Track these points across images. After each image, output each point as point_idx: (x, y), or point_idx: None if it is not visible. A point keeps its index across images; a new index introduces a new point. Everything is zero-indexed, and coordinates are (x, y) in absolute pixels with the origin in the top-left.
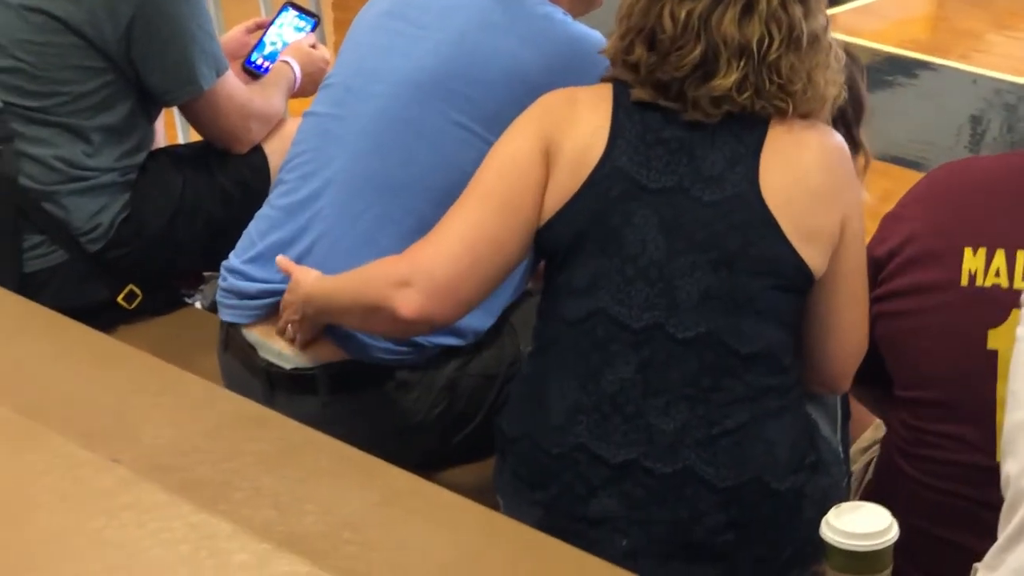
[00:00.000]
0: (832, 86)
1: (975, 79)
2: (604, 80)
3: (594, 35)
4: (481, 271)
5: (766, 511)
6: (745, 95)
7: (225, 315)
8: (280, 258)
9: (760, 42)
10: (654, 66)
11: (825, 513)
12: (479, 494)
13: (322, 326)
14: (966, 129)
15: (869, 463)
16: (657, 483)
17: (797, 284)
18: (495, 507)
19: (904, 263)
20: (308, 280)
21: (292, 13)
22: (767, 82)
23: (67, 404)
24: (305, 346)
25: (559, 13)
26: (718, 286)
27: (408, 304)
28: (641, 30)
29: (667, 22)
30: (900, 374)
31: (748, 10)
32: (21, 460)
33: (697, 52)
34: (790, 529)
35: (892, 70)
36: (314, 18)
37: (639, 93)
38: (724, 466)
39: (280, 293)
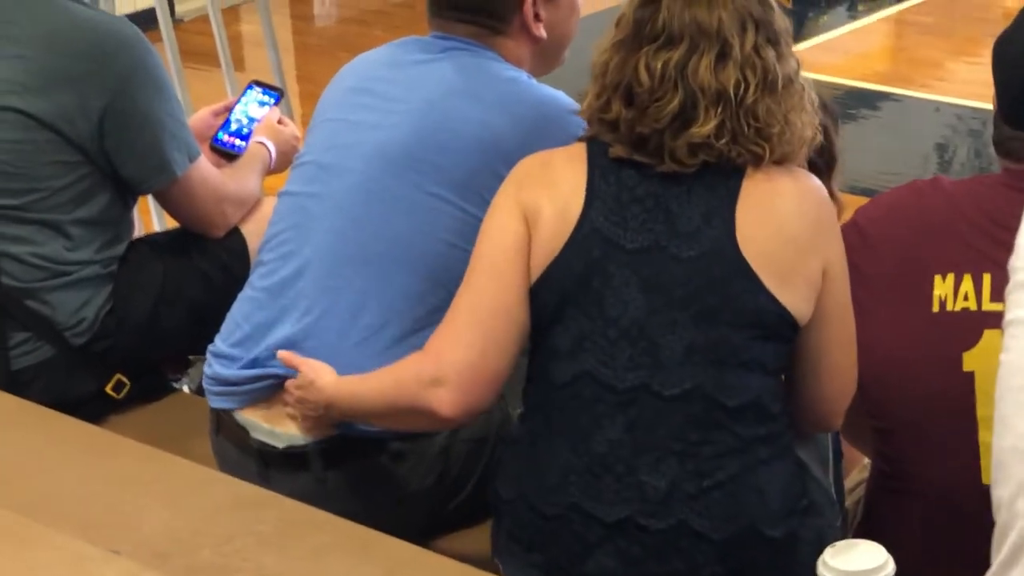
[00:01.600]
0: (808, 128)
1: (938, 107)
2: (580, 140)
3: (560, 96)
4: (498, 346)
5: (762, 558)
6: (723, 141)
7: (214, 401)
8: (283, 353)
9: (736, 87)
10: (633, 121)
11: (820, 555)
12: (478, 560)
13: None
14: (933, 157)
15: (858, 501)
16: (652, 539)
17: (781, 333)
18: (495, 572)
19: (875, 288)
20: (326, 382)
21: (257, 90)
22: (745, 127)
23: (64, 499)
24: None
25: (524, 76)
26: (701, 341)
27: (445, 403)
28: (617, 86)
29: (643, 75)
30: (875, 404)
31: (723, 57)
32: (25, 559)
33: (676, 102)
34: (787, 574)
35: (855, 103)
36: (277, 92)
37: (616, 150)
38: (717, 518)
39: (269, 377)
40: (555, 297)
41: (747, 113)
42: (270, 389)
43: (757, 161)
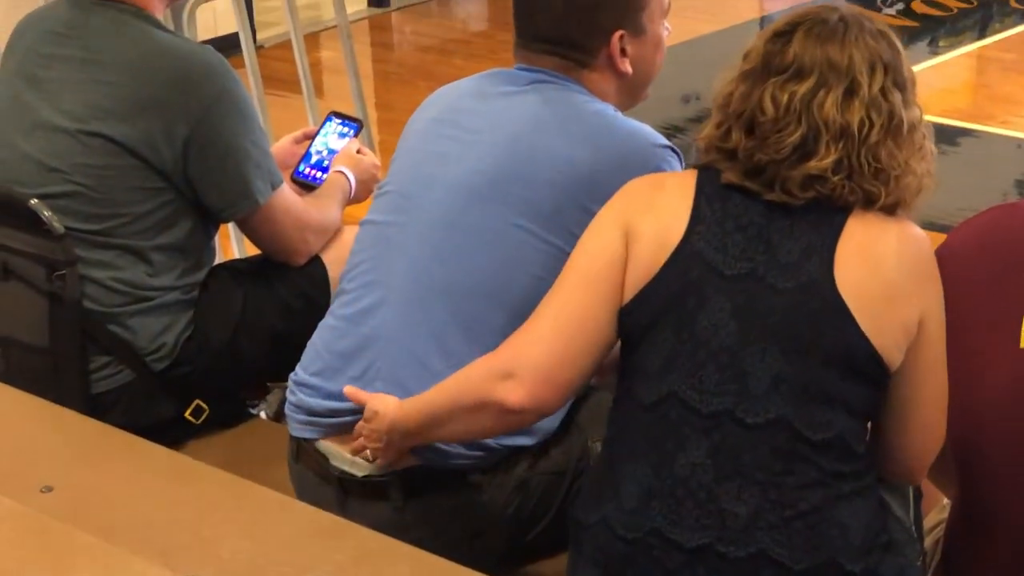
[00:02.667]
0: (925, 177)
1: (1019, 144)
2: (693, 166)
3: (647, 129)
4: (576, 354)
5: None
6: (839, 176)
7: (295, 430)
8: (348, 388)
9: (861, 126)
10: (753, 150)
11: None
12: None
13: (406, 449)
14: (1012, 194)
15: (937, 541)
16: (731, 567)
17: (871, 375)
18: None
19: (961, 324)
20: (389, 407)
21: (336, 121)
22: (865, 166)
23: (144, 524)
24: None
25: (610, 110)
26: (789, 373)
27: (515, 395)
28: (740, 115)
29: (768, 106)
30: (961, 445)
31: (849, 95)
32: None
33: (797, 135)
34: None
35: (936, 139)
36: (357, 123)
37: (728, 176)
38: (798, 548)
39: (350, 412)
40: (648, 316)
41: (868, 152)
42: (351, 422)
43: (871, 202)
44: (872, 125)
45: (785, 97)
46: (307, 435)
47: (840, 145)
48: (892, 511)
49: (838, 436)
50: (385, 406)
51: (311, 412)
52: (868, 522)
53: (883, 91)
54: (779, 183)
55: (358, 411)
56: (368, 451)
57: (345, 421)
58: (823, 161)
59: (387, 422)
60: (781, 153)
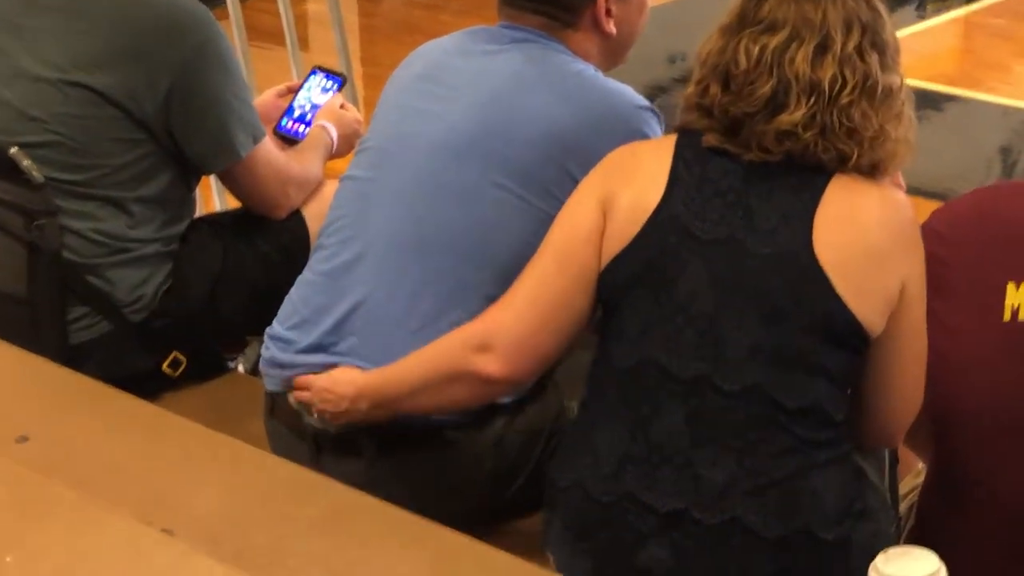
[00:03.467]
0: (902, 144)
1: (1005, 111)
2: (673, 130)
3: (627, 91)
4: (553, 327)
5: (813, 561)
6: (809, 133)
7: (270, 384)
8: (301, 380)
9: (832, 83)
10: (727, 104)
11: (873, 560)
12: (528, 550)
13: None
14: (997, 161)
15: (911, 507)
16: (705, 534)
17: (850, 342)
18: (545, 563)
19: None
20: (357, 377)
21: (320, 75)
22: (836, 124)
23: (118, 476)
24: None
25: (591, 70)
26: (767, 340)
27: (489, 365)
28: (716, 68)
29: (741, 58)
30: (941, 413)
31: (822, 50)
32: (80, 538)
33: (768, 87)
34: None
35: (921, 104)
36: (341, 78)
37: (709, 139)
38: (771, 516)
39: (321, 367)
40: (625, 280)
41: (841, 112)
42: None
43: (844, 161)
44: (844, 83)
45: (757, 49)
46: (280, 388)
47: (811, 100)
48: (867, 478)
49: (815, 404)
50: (350, 376)
51: (283, 365)
52: (842, 490)
53: (859, 50)
54: (755, 140)
55: (330, 365)
56: (326, 415)
57: (317, 372)
58: (793, 115)
59: (353, 390)
60: (753, 106)
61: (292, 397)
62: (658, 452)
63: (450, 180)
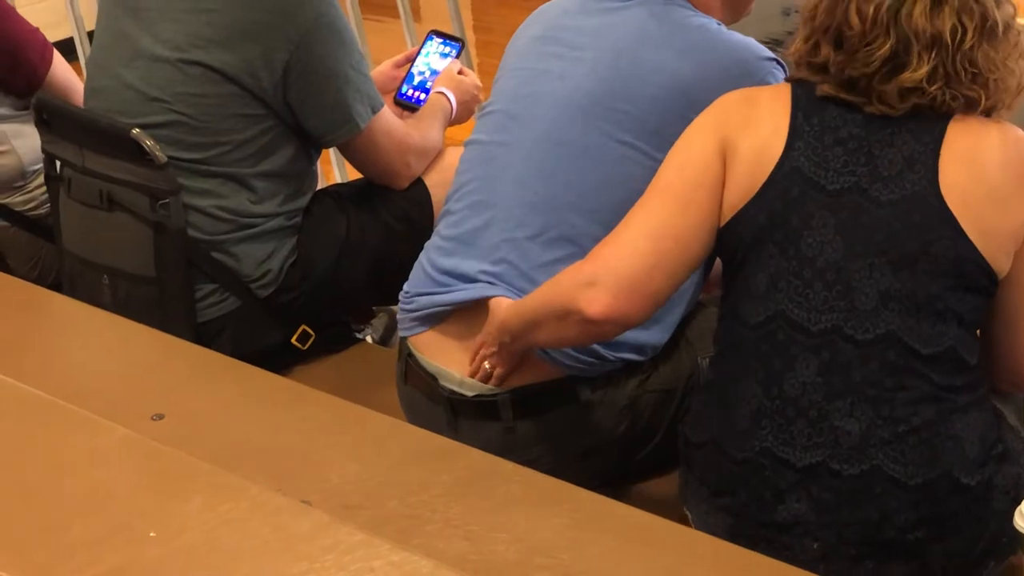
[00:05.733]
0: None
1: None
2: (786, 80)
3: (751, 43)
4: (665, 266)
5: (957, 506)
6: (935, 85)
7: (405, 330)
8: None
9: (953, 33)
10: (843, 64)
11: (1017, 503)
12: (665, 508)
13: (518, 357)
14: None
15: None
16: (845, 485)
17: (979, 284)
18: (683, 520)
19: None
20: (500, 305)
21: (437, 40)
22: (961, 72)
23: (255, 450)
24: (501, 379)
25: (713, 23)
26: (898, 287)
27: (595, 303)
28: (827, 29)
29: (854, 18)
30: None
31: (938, 1)
32: (219, 511)
33: (887, 47)
34: (982, 522)
35: None
36: (459, 43)
37: (824, 88)
38: (913, 463)
39: (454, 304)
40: (749, 236)
41: (964, 59)
42: (460, 317)
43: (971, 107)
44: (965, 31)
45: (871, 9)
46: (417, 330)
47: (933, 54)
48: (1007, 421)
49: (950, 348)
50: (497, 303)
51: (421, 307)
52: (982, 433)
53: None
54: (875, 95)
55: (466, 301)
56: (487, 363)
57: (447, 311)
58: (916, 72)
59: (498, 320)
60: (871, 67)
61: (440, 365)
62: (793, 406)
63: (576, 139)
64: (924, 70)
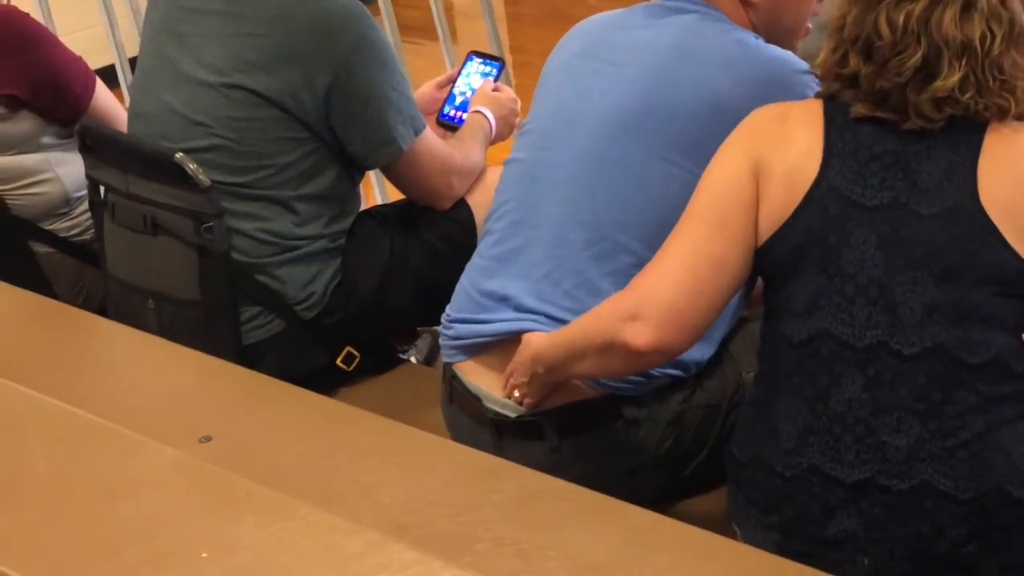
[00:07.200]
0: None
1: None
2: (816, 96)
3: (788, 56)
4: (706, 292)
5: (1009, 520)
6: (968, 95)
7: (447, 356)
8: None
9: (983, 40)
10: (873, 75)
11: None
12: (713, 524)
13: (551, 386)
14: None
15: None
16: (895, 500)
17: (1022, 289)
18: (731, 536)
19: None
20: (534, 338)
21: (477, 61)
22: (990, 79)
23: (303, 471)
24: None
25: (751, 37)
26: (942, 299)
27: (639, 336)
28: (856, 40)
29: (884, 28)
30: None
31: (967, 8)
32: (271, 530)
33: (918, 56)
34: None
35: None
36: (499, 62)
37: (857, 109)
38: (963, 477)
39: (499, 335)
40: (789, 256)
41: (992, 65)
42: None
43: (1003, 114)
44: (994, 37)
45: (901, 17)
46: (458, 358)
47: (963, 62)
48: None
49: (996, 356)
50: (530, 337)
51: (461, 336)
52: None
53: (1002, 0)
54: (912, 108)
55: (505, 333)
56: (516, 392)
57: (489, 341)
58: (948, 81)
59: (531, 353)
60: (903, 76)
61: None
62: (839, 423)
63: (618, 156)
64: (955, 78)
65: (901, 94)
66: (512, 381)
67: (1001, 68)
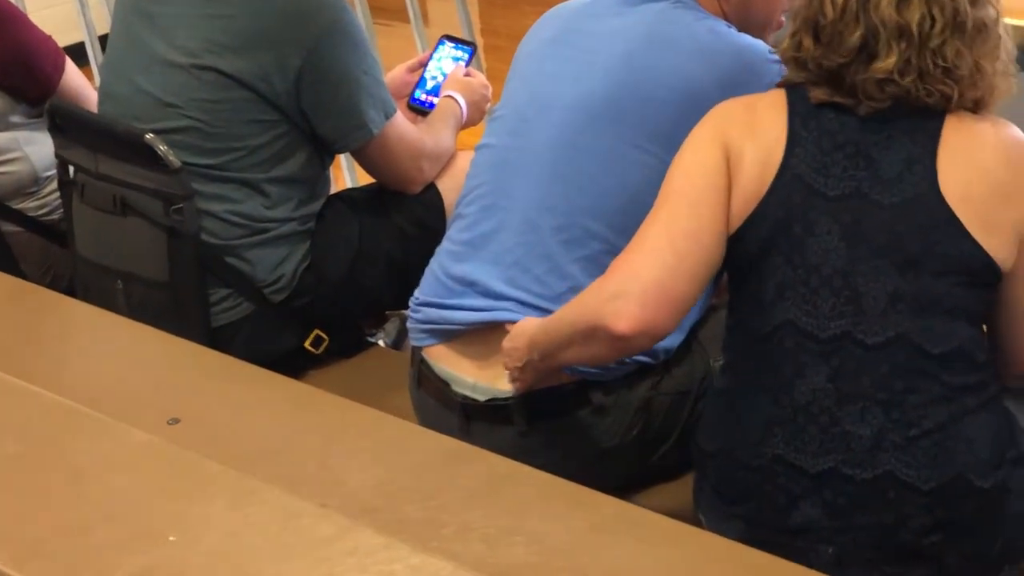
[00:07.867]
0: (1002, 77)
1: None
2: (779, 86)
3: (758, 44)
4: (687, 267)
5: (971, 509)
6: (908, 79)
7: (416, 340)
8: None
9: (921, 24)
10: (820, 56)
11: None
12: (679, 513)
13: (543, 372)
14: None
15: None
16: (858, 490)
17: (984, 279)
18: (697, 525)
19: None
20: (531, 324)
21: (449, 45)
22: (931, 65)
23: (271, 454)
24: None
25: (722, 25)
26: (905, 289)
27: (622, 317)
28: (806, 20)
29: (828, 8)
30: None
31: None
32: (240, 513)
33: (856, 36)
34: (996, 525)
35: None
36: (470, 47)
37: (816, 93)
38: (926, 467)
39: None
40: (756, 245)
41: (933, 53)
42: (465, 331)
43: (948, 101)
44: (934, 23)
45: None
46: (426, 342)
47: (901, 45)
48: (1018, 423)
49: (960, 347)
50: (525, 323)
51: (430, 321)
52: (995, 435)
53: None
54: (860, 91)
55: (476, 323)
56: (509, 375)
57: (459, 329)
58: (886, 62)
59: (526, 339)
60: (845, 56)
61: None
62: (804, 413)
63: (589, 143)
64: (893, 60)
65: (847, 75)
66: (508, 364)
67: (944, 55)
